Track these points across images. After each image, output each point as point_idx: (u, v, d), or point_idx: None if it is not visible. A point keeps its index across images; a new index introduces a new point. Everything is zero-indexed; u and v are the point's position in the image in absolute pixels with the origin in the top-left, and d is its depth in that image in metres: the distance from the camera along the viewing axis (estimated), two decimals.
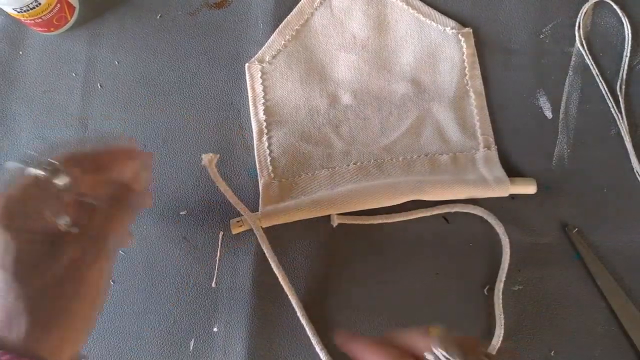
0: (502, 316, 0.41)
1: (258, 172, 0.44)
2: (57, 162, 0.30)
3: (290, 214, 0.42)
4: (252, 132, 0.46)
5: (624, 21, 0.46)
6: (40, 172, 0.30)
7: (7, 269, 0.28)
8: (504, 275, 0.42)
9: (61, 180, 0.30)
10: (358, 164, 0.44)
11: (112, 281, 0.44)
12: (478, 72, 0.46)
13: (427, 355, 0.29)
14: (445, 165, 0.44)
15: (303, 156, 0.44)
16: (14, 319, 0.28)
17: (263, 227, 0.42)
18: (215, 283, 0.43)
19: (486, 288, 0.42)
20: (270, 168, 0.44)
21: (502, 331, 0.40)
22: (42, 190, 0.30)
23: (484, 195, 0.42)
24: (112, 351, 0.42)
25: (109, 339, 0.43)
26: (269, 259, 0.41)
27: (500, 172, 0.43)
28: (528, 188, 0.42)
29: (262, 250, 0.42)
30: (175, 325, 0.42)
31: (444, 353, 0.29)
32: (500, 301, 0.41)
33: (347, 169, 0.44)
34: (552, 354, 0.41)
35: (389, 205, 0.42)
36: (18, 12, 0.44)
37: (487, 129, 0.45)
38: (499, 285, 0.41)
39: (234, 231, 0.42)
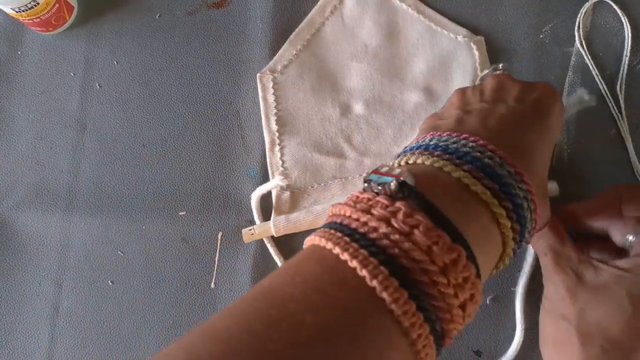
0: (523, 321, 0.40)
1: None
2: None
3: (303, 224, 0.42)
4: (251, 131, 0.46)
5: (623, 21, 0.46)
6: None
7: None
8: (525, 279, 0.41)
9: None
10: None
11: (111, 282, 0.43)
12: None
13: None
14: None
15: (315, 166, 0.44)
16: None
17: (275, 236, 0.42)
18: (214, 284, 0.43)
19: (489, 297, 0.42)
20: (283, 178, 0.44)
21: (522, 337, 0.40)
22: None
23: None
24: (111, 351, 0.42)
25: (107, 339, 0.42)
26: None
27: None
28: (549, 190, 0.42)
29: (261, 250, 0.42)
30: (174, 326, 0.42)
31: None
32: (521, 305, 0.41)
33: (359, 178, 0.44)
34: None
35: None
36: (16, 11, 0.44)
37: None
38: (520, 290, 0.41)
39: (247, 240, 0.42)
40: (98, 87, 0.47)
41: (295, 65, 0.46)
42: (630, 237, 0.34)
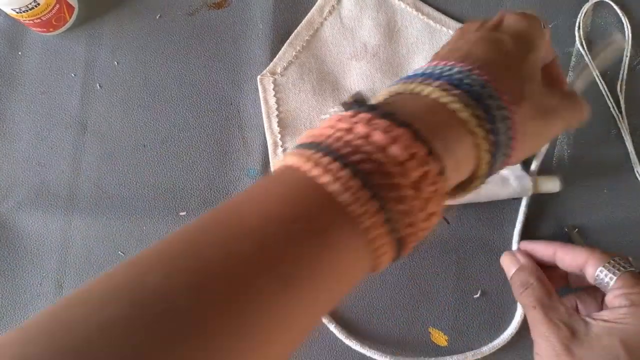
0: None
1: None
2: None
3: None
4: (251, 131, 0.46)
5: (624, 21, 0.46)
6: None
7: None
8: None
9: None
10: None
11: None
12: None
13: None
14: None
15: None
16: None
17: None
18: None
19: (477, 294, 0.42)
20: None
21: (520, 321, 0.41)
22: None
23: (506, 196, 0.42)
24: None
25: None
26: None
27: (521, 172, 0.42)
28: (552, 187, 0.42)
29: None
30: None
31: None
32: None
33: None
34: None
35: None
36: (17, 12, 0.44)
37: None
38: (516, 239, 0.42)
39: None
40: (98, 87, 0.47)
41: (295, 66, 0.46)
42: (602, 273, 0.36)
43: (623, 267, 0.35)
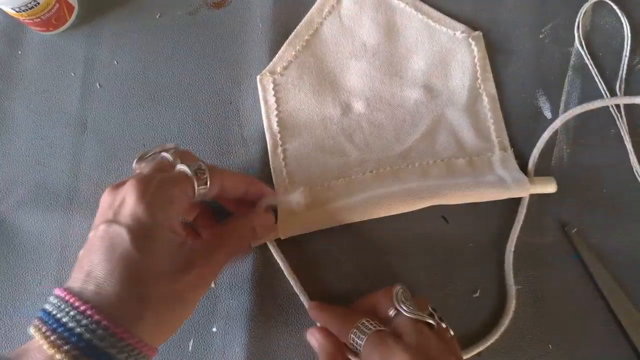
0: (514, 287, 0.41)
1: (274, 184, 0.44)
2: (205, 169, 0.34)
3: (308, 225, 0.42)
4: (251, 131, 0.46)
5: (623, 21, 0.46)
6: (187, 171, 0.34)
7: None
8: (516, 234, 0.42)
9: (202, 188, 0.34)
10: (374, 172, 0.44)
11: None
12: (490, 74, 0.46)
13: (389, 311, 0.35)
14: (462, 170, 0.43)
15: (318, 166, 0.44)
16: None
17: (281, 238, 0.42)
18: (215, 283, 0.43)
19: (477, 293, 0.42)
20: (287, 180, 0.44)
21: (514, 303, 0.41)
22: (183, 187, 0.33)
23: (503, 196, 0.42)
24: None
25: None
26: (286, 275, 0.41)
27: (518, 173, 0.43)
28: (548, 187, 0.42)
29: (261, 250, 0.42)
30: None
31: (403, 307, 0.35)
32: (511, 266, 0.42)
33: (363, 177, 0.44)
34: (550, 354, 0.41)
35: (408, 211, 0.42)
36: (17, 11, 0.44)
37: (501, 131, 0.45)
38: (510, 246, 0.42)
39: (253, 244, 0.42)
40: (98, 86, 0.47)
41: (294, 66, 0.47)
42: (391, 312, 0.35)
43: (368, 329, 0.34)
